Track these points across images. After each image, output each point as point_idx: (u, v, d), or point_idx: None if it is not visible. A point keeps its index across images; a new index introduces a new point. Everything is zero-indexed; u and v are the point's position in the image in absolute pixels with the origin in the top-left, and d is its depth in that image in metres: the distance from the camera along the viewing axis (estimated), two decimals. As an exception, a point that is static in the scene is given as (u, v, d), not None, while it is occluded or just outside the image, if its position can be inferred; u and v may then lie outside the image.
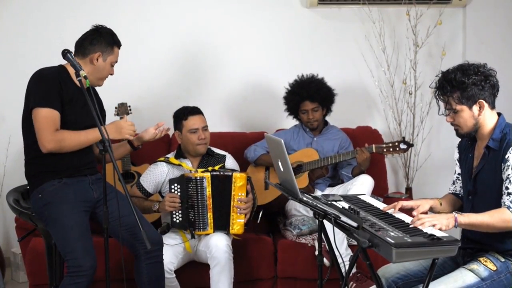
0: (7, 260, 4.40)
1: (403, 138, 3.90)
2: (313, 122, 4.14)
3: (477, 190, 2.70)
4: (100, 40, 3.15)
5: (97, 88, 3.35)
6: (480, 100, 2.62)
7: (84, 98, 2.91)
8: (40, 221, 3.20)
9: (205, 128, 3.69)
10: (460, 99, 2.63)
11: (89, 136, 3.06)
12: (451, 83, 2.63)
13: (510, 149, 2.57)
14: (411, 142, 3.93)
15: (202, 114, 3.73)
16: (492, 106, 2.67)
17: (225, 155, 3.80)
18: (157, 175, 3.67)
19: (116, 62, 3.23)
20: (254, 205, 3.59)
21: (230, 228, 3.50)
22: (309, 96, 4.07)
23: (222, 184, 3.51)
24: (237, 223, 3.50)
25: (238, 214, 3.49)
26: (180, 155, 3.72)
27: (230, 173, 3.52)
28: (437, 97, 2.71)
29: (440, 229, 2.42)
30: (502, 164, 2.58)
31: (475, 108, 2.63)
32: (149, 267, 3.20)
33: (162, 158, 3.72)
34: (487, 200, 2.61)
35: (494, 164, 2.62)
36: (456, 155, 2.89)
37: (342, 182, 4.11)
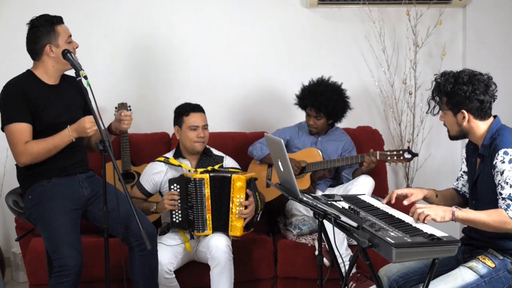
0: (7, 260, 4.40)
1: (408, 147, 3.90)
2: (312, 128, 4.12)
3: (478, 196, 2.72)
4: (39, 33, 3.10)
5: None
6: (463, 110, 2.64)
7: (59, 92, 3.04)
8: (32, 222, 3.20)
9: (205, 126, 3.67)
10: (447, 104, 2.69)
11: (55, 142, 3.04)
12: (439, 88, 2.69)
13: (497, 154, 2.58)
14: (415, 152, 3.91)
15: (204, 113, 3.71)
16: (481, 118, 2.67)
17: (223, 157, 3.78)
18: (155, 175, 3.66)
19: (70, 35, 3.15)
20: (257, 209, 3.55)
21: (229, 230, 3.48)
22: (313, 105, 4.03)
23: (221, 185, 3.49)
24: (235, 226, 3.47)
25: (237, 217, 3.47)
26: (179, 154, 3.72)
27: (230, 175, 3.49)
28: (432, 95, 2.75)
29: (434, 220, 2.46)
30: (492, 170, 2.60)
31: (459, 116, 2.67)
32: (141, 258, 3.19)
33: (161, 158, 3.71)
34: (488, 206, 2.62)
35: (488, 170, 2.64)
36: (464, 154, 2.91)
37: (342, 183, 4.10)
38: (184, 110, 3.68)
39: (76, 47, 3.18)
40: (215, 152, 3.79)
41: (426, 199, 2.88)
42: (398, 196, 2.79)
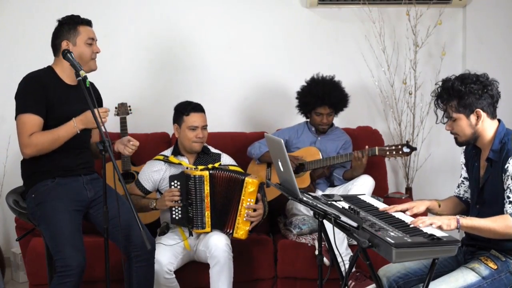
0: (7, 260, 4.40)
1: (407, 141, 3.91)
2: (325, 125, 4.14)
3: (485, 201, 2.70)
4: (61, 29, 3.16)
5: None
6: (478, 109, 2.62)
7: (77, 94, 2.95)
8: (34, 221, 3.20)
9: (204, 127, 3.67)
10: (458, 107, 2.64)
11: (60, 133, 3.04)
12: (449, 92, 2.64)
13: (509, 159, 2.57)
14: (414, 146, 3.92)
15: (204, 113, 3.70)
16: (492, 116, 2.66)
17: (220, 154, 3.79)
18: (154, 173, 3.66)
19: (92, 39, 3.19)
20: (264, 213, 3.55)
21: (234, 232, 3.48)
22: (330, 103, 4.06)
23: (230, 185, 3.49)
24: (242, 228, 3.47)
25: (245, 220, 3.47)
26: (177, 152, 3.72)
27: (243, 177, 3.48)
28: (436, 105, 2.72)
29: (441, 228, 2.43)
30: (503, 175, 2.59)
31: (473, 117, 2.64)
32: (139, 269, 3.18)
33: (160, 157, 3.71)
34: (494, 210, 2.61)
35: (497, 175, 2.62)
36: (462, 160, 2.89)
37: (334, 184, 4.10)
38: (184, 109, 3.67)
39: (97, 52, 3.20)
40: (213, 150, 3.80)
41: (429, 211, 2.85)
42: (397, 211, 2.71)
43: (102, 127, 2.89)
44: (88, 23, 3.21)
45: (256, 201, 3.50)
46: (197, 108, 3.68)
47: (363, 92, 4.80)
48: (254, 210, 3.48)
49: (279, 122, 4.66)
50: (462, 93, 2.61)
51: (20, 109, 3.07)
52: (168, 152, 3.76)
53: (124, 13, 4.59)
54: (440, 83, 2.71)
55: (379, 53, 4.72)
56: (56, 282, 2.95)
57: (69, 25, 3.15)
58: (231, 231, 3.50)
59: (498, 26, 4.81)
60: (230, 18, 4.71)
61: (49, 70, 3.18)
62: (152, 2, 4.63)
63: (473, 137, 2.68)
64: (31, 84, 3.09)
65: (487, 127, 2.66)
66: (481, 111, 2.62)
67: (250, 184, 3.46)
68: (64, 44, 3.12)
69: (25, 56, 4.47)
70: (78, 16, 3.20)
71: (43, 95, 3.06)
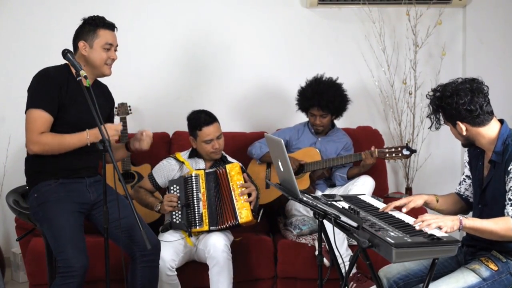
0: (7, 260, 4.40)
1: (407, 144, 3.90)
2: (319, 127, 4.12)
3: (487, 201, 2.70)
4: (82, 29, 3.12)
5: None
6: (458, 122, 2.63)
7: (89, 96, 2.91)
8: (35, 221, 3.19)
9: (219, 136, 3.67)
10: (444, 117, 2.69)
11: (73, 140, 3.02)
12: (432, 106, 2.69)
13: None
14: (413, 148, 3.90)
15: (217, 121, 3.70)
16: (479, 125, 2.63)
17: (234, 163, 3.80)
18: (168, 169, 3.69)
19: (111, 44, 3.13)
20: (258, 193, 3.59)
21: (239, 217, 3.48)
22: (320, 104, 4.02)
23: (218, 179, 3.54)
24: (244, 211, 3.48)
25: (243, 202, 3.49)
26: (194, 154, 3.75)
27: (223, 167, 3.56)
28: (429, 111, 2.75)
29: (446, 232, 2.42)
30: (506, 176, 2.58)
31: (458, 127, 2.65)
32: (144, 270, 3.18)
33: (172, 155, 3.76)
34: (496, 211, 2.60)
35: (499, 176, 2.62)
36: (466, 158, 2.89)
37: (335, 185, 4.09)
38: (196, 124, 3.66)
39: (113, 58, 3.15)
40: (229, 158, 3.82)
41: (426, 205, 2.84)
42: (395, 207, 2.72)
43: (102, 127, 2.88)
44: (110, 26, 3.15)
45: (244, 181, 3.56)
46: (208, 121, 3.66)
47: (363, 92, 4.80)
48: (246, 189, 3.53)
49: (279, 122, 4.66)
50: (442, 108, 2.65)
51: (33, 103, 3.03)
52: (184, 153, 3.77)
53: (123, 13, 4.59)
54: (430, 91, 2.73)
55: (379, 53, 4.72)
56: (59, 283, 2.94)
57: (90, 26, 3.10)
58: (236, 222, 3.49)
59: (498, 26, 4.81)
60: (230, 18, 4.70)
61: (66, 67, 3.13)
62: (152, 2, 4.63)
63: (467, 141, 2.70)
64: (46, 80, 3.05)
65: (478, 134, 2.65)
66: (461, 123, 2.63)
67: (232, 168, 3.55)
68: (81, 45, 3.08)
69: (24, 56, 4.47)
70: (102, 18, 3.15)
71: (56, 93, 3.03)
